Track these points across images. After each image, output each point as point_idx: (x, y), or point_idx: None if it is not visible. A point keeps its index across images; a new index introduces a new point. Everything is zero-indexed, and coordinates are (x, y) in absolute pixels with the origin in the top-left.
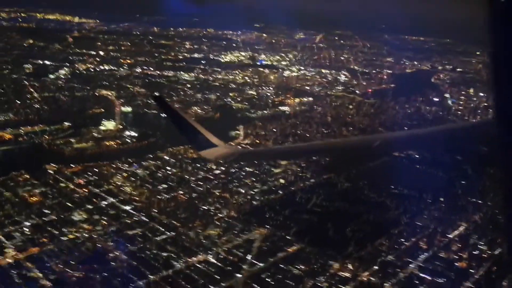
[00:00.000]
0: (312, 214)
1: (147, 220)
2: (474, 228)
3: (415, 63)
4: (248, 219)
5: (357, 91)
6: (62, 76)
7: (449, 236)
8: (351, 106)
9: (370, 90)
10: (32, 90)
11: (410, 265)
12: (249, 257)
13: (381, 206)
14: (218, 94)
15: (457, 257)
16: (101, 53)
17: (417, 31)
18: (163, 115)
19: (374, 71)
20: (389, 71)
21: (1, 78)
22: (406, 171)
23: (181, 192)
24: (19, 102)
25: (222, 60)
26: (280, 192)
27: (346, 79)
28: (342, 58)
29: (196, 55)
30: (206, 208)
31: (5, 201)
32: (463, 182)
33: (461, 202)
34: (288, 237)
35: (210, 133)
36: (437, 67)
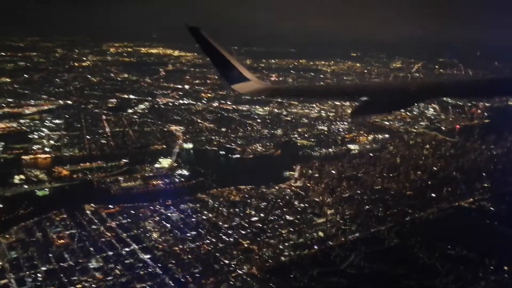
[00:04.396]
0: (344, 276)
1: (160, 272)
2: None
3: None
4: (268, 279)
5: (443, 127)
6: (139, 111)
7: None
8: (428, 146)
9: (458, 127)
10: (106, 125)
11: None
12: None
13: (428, 270)
14: (286, 129)
15: None
16: (186, 86)
17: None
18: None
19: (469, 104)
20: (486, 104)
21: (82, 112)
22: (471, 227)
23: (208, 241)
24: (88, 137)
25: None
26: (315, 247)
27: (434, 113)
28: None
29: None
30: (226, 262)
31: (32, 243)
32: None
33: None
34: None
35: (245, 68)
36: None
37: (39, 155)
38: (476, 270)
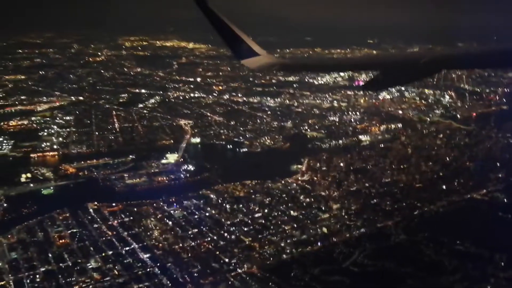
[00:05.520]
0: (346, 275)
1: (158, 272)
2: None
3: None
4: (268, 278)
5: (458, 115)
6: (150, 105)
7: None
8: (441, 135)
9: (474, 114)
10: (115, 121)
11: None
12: None
13: (435, 267)
14: (296, 121)
15: None
16: (198, 79)
17: None
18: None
19: (487, 90)
20: (506, 90)
21: (94, 108)
22: (483, 220)
23: (209, 239)
24: (97, 133)
25: (316, 83)
26: (319, 244)
27: (450, 100)
28: (453, 75)
29: (290, 78)
30: (226, 260)
31: (33, 243)
32: None
33: None
34: None
35: (254, 42)
36: None
37: (47, 153)
38: (485, 266)
